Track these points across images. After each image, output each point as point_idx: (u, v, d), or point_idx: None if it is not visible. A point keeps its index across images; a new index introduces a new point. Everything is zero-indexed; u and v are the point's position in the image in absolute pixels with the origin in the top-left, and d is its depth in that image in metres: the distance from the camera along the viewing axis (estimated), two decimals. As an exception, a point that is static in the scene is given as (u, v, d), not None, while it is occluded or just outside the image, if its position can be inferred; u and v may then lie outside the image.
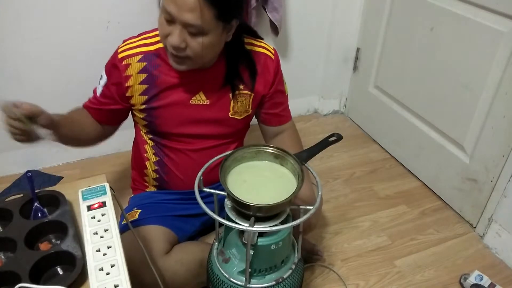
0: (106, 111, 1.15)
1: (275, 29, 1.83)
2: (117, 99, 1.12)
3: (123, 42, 1.11)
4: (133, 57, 1.08)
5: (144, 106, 1.12)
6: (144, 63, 1.08)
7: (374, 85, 2.06)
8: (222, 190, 0.89)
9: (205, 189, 0.91)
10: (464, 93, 1.53)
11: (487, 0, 1.39)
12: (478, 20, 1.43)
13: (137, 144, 1.26)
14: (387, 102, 1.98)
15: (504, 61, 1.36)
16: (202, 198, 0.86)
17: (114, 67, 1.09)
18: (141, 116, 1.15)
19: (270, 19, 1.79)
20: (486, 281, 1.34)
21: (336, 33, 2.08)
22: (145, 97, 1.11)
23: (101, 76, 1.13)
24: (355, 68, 2.18)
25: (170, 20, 0.94)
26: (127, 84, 1.09)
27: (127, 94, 1.11)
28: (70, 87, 1.71)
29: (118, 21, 1.65)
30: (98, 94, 1.14)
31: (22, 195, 0.78)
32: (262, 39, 1.19)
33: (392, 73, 1.91)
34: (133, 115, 1.20)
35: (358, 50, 2.13)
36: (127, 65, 1.08)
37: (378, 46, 1.95)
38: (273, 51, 1.18)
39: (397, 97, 1.91)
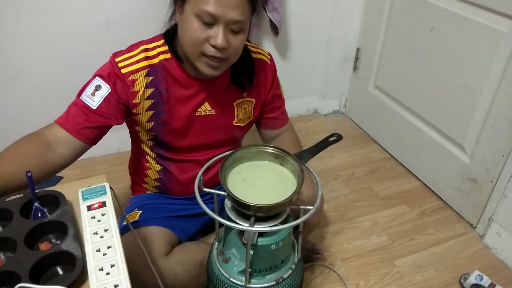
0: (97, 127, 1.00)
1: (275, 29, 1.83)
2: (114, 113, 1.01)
3: (119, 56, 1.02)
4: (139, 72, 1.02)
5: (152, 124, 1.07)
6: (151, 77, 1.03)
7: (374, 85, 2.06)
8: (223, 190, 0.89)
9: (205, 189, 0.91)
10: (464, 93, 1.53)
11: (487, 0, 1.39)
12: (478, 20, 1.43)
13: (137, 155, 1.21)
14: (387, 102, 1.98)
15: (504, 61, 1.36)
16: (202, 199, 0.85)
17: (118, 78, 1.00)
18: (147, 132, 1.11)
19: (270, 19, 1.79)
20: (486, 281, 1.34)
21: (336, 33, 2.08)
22: (151, 112, 1.06)
23: (97, 86, 0.99)
24: (355, 68, 2.18)
25: (211, 22, 0.91)
26: (134, 101, 1.03)
27: (134, 111, 1.05)
28: (70, 87, 1.70)
29: (118, 21, 1.65)
30: (94, 107, 0.98)
31: (22, 195, 0.78)
32: (249, 41, 1.17)
33: (392, 73, 1.91)
34: (135, 131, 1.14)
35: (358, 50, 2.13)
36: (134, 81, 1.01)
37: (378, 46, 1.95)
38: (269, 56, 1.18)
39: (397, 97, 1.91)
